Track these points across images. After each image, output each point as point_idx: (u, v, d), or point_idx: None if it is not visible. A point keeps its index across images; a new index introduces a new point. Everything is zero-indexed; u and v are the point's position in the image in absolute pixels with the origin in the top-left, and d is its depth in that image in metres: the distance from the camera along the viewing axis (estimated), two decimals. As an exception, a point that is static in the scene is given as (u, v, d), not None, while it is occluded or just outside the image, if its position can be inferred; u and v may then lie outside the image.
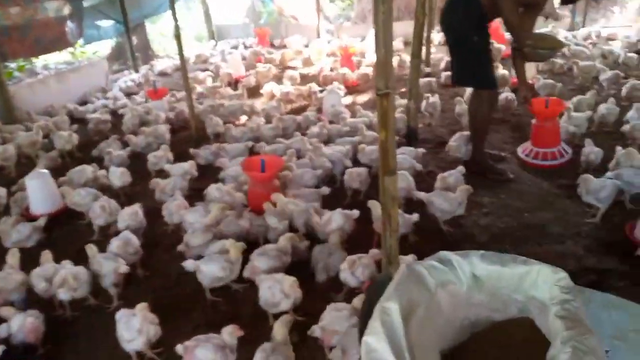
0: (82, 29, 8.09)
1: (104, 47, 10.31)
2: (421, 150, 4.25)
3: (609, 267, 2.92)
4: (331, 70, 7.58)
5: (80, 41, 8.62)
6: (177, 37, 5.09)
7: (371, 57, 8.16)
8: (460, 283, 1.69)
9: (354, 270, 2.65)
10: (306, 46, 9.30)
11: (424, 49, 6.90)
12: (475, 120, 4.15)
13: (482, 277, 1.68)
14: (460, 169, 3.75)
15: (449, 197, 3.39)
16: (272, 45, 9.65)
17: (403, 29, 8.74)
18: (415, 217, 3.20)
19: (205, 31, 11.14)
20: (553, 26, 9.27)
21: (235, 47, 9.74)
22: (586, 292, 1.88)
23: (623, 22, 10.27)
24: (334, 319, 2.24)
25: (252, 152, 4.76)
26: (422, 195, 3.46)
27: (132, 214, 3.47)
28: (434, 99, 5.46)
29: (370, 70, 7.24)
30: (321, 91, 6.49)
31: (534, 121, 4.45)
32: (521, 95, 4.24)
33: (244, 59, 8.74)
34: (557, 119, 4.48)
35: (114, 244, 3.12)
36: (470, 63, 3.99)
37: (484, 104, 4.06)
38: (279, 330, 2.18)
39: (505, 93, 5.63)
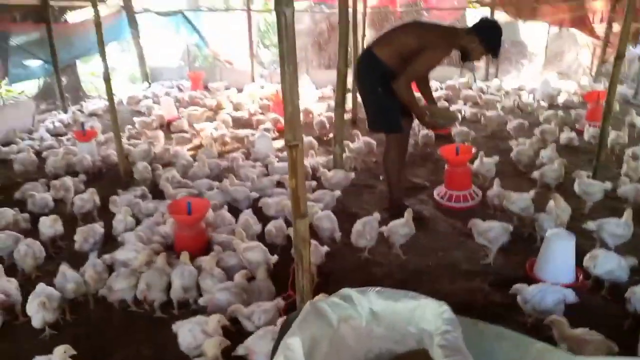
0: (7, 68, 7.91)
1: (32, 86, 10.04)
2: (337, 192, 4.55)
3: (511, 302, 3.13)
4: (262, 114, 7.83)
5: (5, 80, 8.40)
6: (107, 80, 5.13)
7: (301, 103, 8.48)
8: (360, 318, 1.85)
9: (250, 315, 2.79)
10: (240, 90, 9.53)
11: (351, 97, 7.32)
12: (386, 162, 4.50)
13: (379, 312, 1.85)
14: (376, 216, 3.93)
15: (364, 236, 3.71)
16: (206, 89, 9.81)
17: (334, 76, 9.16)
18: (325, 249, 3.58)
19: (139, 73, 11.14)
20: (468, 77, 10.07)
21: (169, 90, 9.81)
22: (480, 324, 2.06)
23: (532, 74, 11.29)
24: (256, 339, 2.49)
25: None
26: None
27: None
28: (358, 144, 5.82)
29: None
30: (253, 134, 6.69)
31: (446, 166, 4.84)
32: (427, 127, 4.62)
33: (177, 101, 8.84)
34: (468, 164, 4.89)
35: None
36: (379, 111, 4.35)
37: (393, 147, 4.42)
38: (210, 349, 2.28)
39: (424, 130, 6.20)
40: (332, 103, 8.19)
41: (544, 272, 3.37)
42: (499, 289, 3.38)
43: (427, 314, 1.78)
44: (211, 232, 3.97)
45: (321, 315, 1.77)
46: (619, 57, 4.56)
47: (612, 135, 6.00)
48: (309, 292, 2.27)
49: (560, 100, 8.66)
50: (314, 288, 2.70)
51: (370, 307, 1.85)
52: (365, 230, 3.77)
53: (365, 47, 4.57)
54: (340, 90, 4.90)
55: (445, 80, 9.79)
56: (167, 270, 3.26)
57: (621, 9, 9.44)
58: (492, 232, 3.68)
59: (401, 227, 3.82)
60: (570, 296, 2.86)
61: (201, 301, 3.06)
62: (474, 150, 5.02)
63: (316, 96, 9.16)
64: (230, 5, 13.20)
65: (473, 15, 11.55)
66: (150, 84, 10.58)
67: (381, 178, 5.40)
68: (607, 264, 3.21)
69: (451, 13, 10.68)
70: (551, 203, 3.98)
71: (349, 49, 5.94)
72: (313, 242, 3.26)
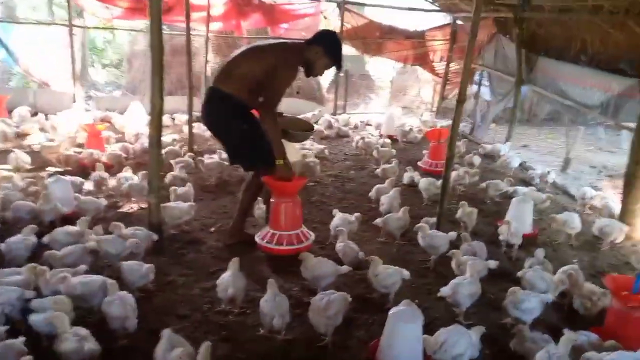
0: None
1: None
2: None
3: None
4: (79, 148, 6.49)
5: None
6: None
7: (131, 132, 7.33)
8: None
9: None
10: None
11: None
12: (247, 194, 4.25)
13: None
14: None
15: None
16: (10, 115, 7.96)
17: (173, 103, 8.20)
18: None
19: None
20: (320, 110, 9.77)
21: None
22: None
23: (378, 109, 11.42)
24: None
25: None
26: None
27: None
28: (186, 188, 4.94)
29: (120, 150, 6.39)
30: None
31: (271, 199, 4.19)
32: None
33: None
34: (298, 197, 4.25)
35: None
36: (251, 148, 3.95)
37: (255, 185, 4.19)
38: None
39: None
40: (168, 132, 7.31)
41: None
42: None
43: None
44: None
45: None
46: (460, 101, 4.38)
47: (453, 175, 5.91)
48: None
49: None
50: None
51: None
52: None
53: (209, 85, 4.04)
54: (156, 126, 3.96)
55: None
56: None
57: (458, 48, 9.93)
58: (331, 309, 3.02)
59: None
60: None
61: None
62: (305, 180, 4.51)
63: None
64: (54, 19, 11.37)
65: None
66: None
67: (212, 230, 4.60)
68: (456, 347, 2.73)
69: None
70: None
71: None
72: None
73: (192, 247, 4.25)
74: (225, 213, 4.98)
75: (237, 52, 4.03)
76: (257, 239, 4.15)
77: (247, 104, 3.88)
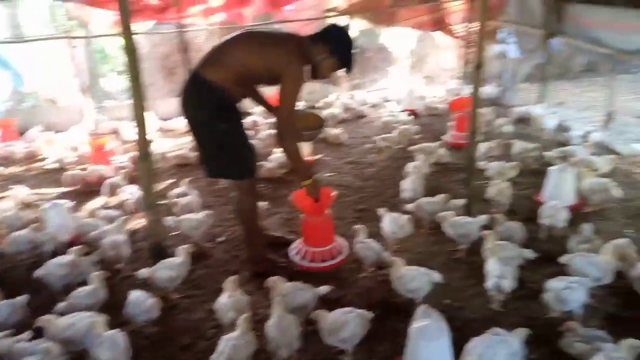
0: None
1: None
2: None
3: None
4: (83, 165, 6.22)
5: None
6: None
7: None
8: None
9: None
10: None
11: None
12: (241, 215, 3.67)
13: None
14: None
15: None
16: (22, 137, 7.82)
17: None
18: None
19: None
20: (334, 91, 9.29)
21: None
22: None
23: (399, 81, 10.80)
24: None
25: None
26: None
27: None
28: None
29: (128, 161, 6.11)
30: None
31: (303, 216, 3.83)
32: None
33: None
34: (328, 212, 3.85)
35: None
36: (221, 152, 3.35)
37: (246, 194, 3.55)
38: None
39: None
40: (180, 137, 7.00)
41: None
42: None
43: None
44: None
45: None
46: (479, 66, 3.85)
47: (482, 148, 5.37)
48: None
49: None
50: None
51: None
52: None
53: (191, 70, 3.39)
54: (142, 138, 3.63)
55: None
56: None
57: (479, 6, 9.19)
58: (345, 332, 2.63)
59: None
60: None
61: None
62: (334, 193, 3.92)
63: (157, 128, 7.81)
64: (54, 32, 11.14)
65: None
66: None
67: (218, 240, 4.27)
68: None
69: (307, 24, 9.79)
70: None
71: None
72: None
73: (199, 263, 3.91)
74: (234, 219, 4.62)
75: (227, 37, 3.48)
76: (291, 255, 3.83)
77: (232, 96, 3.29)
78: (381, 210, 3.93)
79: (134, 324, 3.03)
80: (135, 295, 3.03)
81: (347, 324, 2.60)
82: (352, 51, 3.31)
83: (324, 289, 3.05)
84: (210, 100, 3.22)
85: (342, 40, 3.28)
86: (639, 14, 5.66)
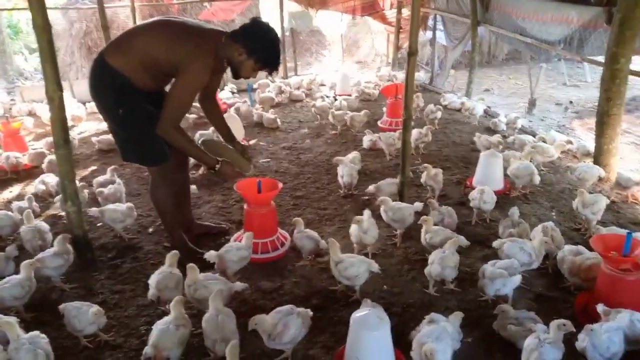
0: None
1: None
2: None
3: None
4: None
5: None
6: None
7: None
8: None
9: None
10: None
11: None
12: (157, 203, 3.51)
13: None
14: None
15: None
16: None
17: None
18: None
19: None
20: (267, 76, 9.09)
21: None
22: None
23: (331, 66, 10.78)
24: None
25: None
26: None
27: None
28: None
29: (44, 147, 5.67)
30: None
31: (245, 207, 3.66)
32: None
33: None
34: (273, 203, 3.73)
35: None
36: (126, 138, 3.21)
37: (161, 181, 3.40)
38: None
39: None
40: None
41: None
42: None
43: None
44: None
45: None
46: (412, 53, 3.85)
47: (414, 134, 5.44)
48: None
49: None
50: None
51: None
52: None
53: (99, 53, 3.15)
54: (59, 124, 3.31)
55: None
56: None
57: (407, -6, 9.31)
58: (285, 336, 2.52)
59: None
60: None
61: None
62: (280, 185, 3.72)
63: (82, 112, 7.29)
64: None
65: (265, 8, 10.62)
66: None
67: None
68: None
69: (238, 5, 9.49)
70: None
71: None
72: None
73: (127, 256, 3.67)
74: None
75: (143, 22, 3.25)
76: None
77: (135, 84, 3.05)
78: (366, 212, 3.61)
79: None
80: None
81: (288, 327, 2.50)
82: (276, 49, 3.08)
83: (238, 285, 2.92)
84: (112, 86, 3.04)
85: (263, 39, 3.04)
86: (559, 7, 5.95)
